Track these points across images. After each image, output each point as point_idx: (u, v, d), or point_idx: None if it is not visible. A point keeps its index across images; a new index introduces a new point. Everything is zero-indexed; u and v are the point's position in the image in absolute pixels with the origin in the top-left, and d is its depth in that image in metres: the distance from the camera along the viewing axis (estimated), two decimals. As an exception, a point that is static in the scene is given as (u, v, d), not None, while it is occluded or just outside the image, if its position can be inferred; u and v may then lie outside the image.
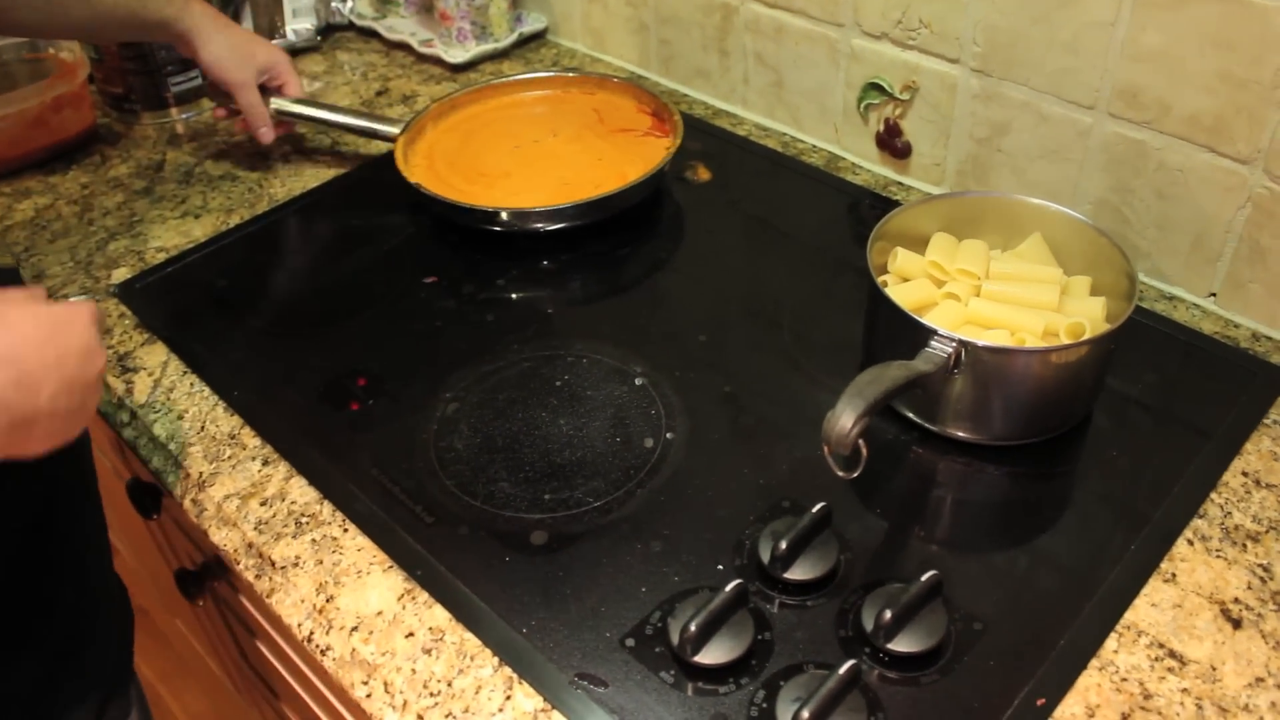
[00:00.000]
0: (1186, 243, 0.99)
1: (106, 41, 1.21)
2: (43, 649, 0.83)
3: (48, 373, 0.67)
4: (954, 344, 0.80)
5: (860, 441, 0.71)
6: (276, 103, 1.22)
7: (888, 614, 0.71)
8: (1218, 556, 0.79)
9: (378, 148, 1.28)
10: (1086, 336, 0.84)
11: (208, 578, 1.12)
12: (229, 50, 1.16)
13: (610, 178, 1.15)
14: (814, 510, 0.77)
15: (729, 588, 0.73)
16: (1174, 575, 0.78)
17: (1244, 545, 0.80)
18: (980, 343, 0.80)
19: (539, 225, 1.10)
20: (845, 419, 0.71)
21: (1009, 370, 0.83)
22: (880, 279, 0.92)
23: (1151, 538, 0.81)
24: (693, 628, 0.71)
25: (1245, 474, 0.85)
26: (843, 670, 0.68)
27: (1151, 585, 0.78)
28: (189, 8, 1.13)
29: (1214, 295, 1.00)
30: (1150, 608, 0.76)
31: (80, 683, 0.86)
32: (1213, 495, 0.84)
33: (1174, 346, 0.97)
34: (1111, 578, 0.78)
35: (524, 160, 1.20)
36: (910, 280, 0.92)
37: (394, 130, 1.20)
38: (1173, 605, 0.76)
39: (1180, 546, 0.80)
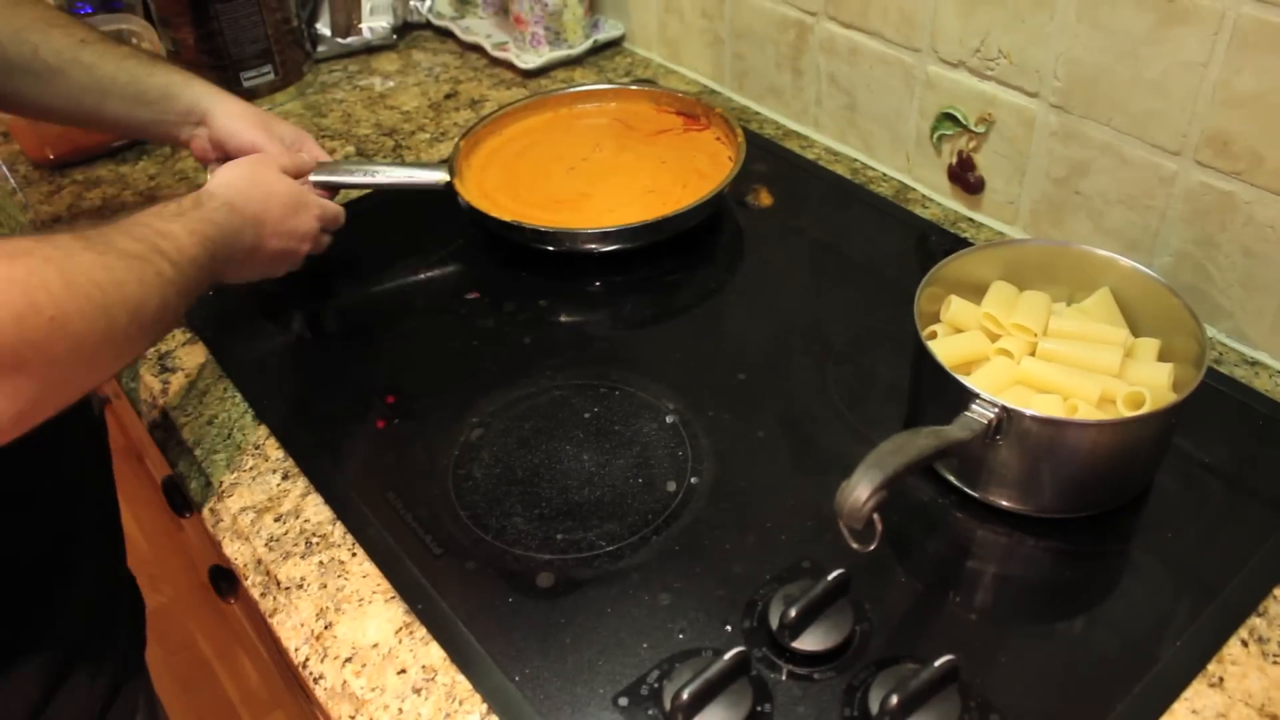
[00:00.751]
0: (1274, 305, 0.91)
1: (108, 125, 1.07)
2: (50, 641, 0.83)
3: (276, 240, 0.95)
4: (996, 410, 0.75)
5: (875, 516, 0.66)
6: (313, 176, 1.08)
7: (894, 699, 0.66)
8: (1275, 663, 0.72)
9: (431, 157, 1.26)
10: (1145, 409, 0.77)
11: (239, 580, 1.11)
12: (244, 118, 1.06)
13: (687, 178, 1.15)
14: (830, 577, 0.73)
15: (729, 655, 0.68)
16: (1221, 679, 0.71)
17: (1304, 651, 0.73)
18: (1024, 410, 0.74)
19: (591, 247, 1.07)
20: (860, 491, 0.66)
21: (1057, 441, 0.77)
22: (930, 329, 0.88)
23: (1201, 634, 0.74)
24: (685, 695, 0.67)
25: (1315, 569, 0.78)
26: (837, 759, 0.64)
27: (1194, 689, 0.71)
28: (192, 82, 1.05)
29: (1301, 365, 0.92)
30: (1190, 715, 0.70)
31: (87, 676, 0.86)
32: (1276, 591, 0.76)
33: (1251, 418, 0.90)
34: (1150, 676, 0.71)
35: (589, 178, 1.16)
36: (963, 332, 0.87)
37: (439, 177, 1.11)
38: (1216, 714, 0.70)
39: (1233, 647, 0.73)
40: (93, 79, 1.00)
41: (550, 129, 1.24)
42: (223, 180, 0.93)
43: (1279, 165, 0.86)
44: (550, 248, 1.08)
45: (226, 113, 1.05)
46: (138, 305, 0.72)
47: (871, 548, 0.68)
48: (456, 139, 1.17)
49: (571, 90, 1.27)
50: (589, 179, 1.16)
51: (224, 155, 1.06)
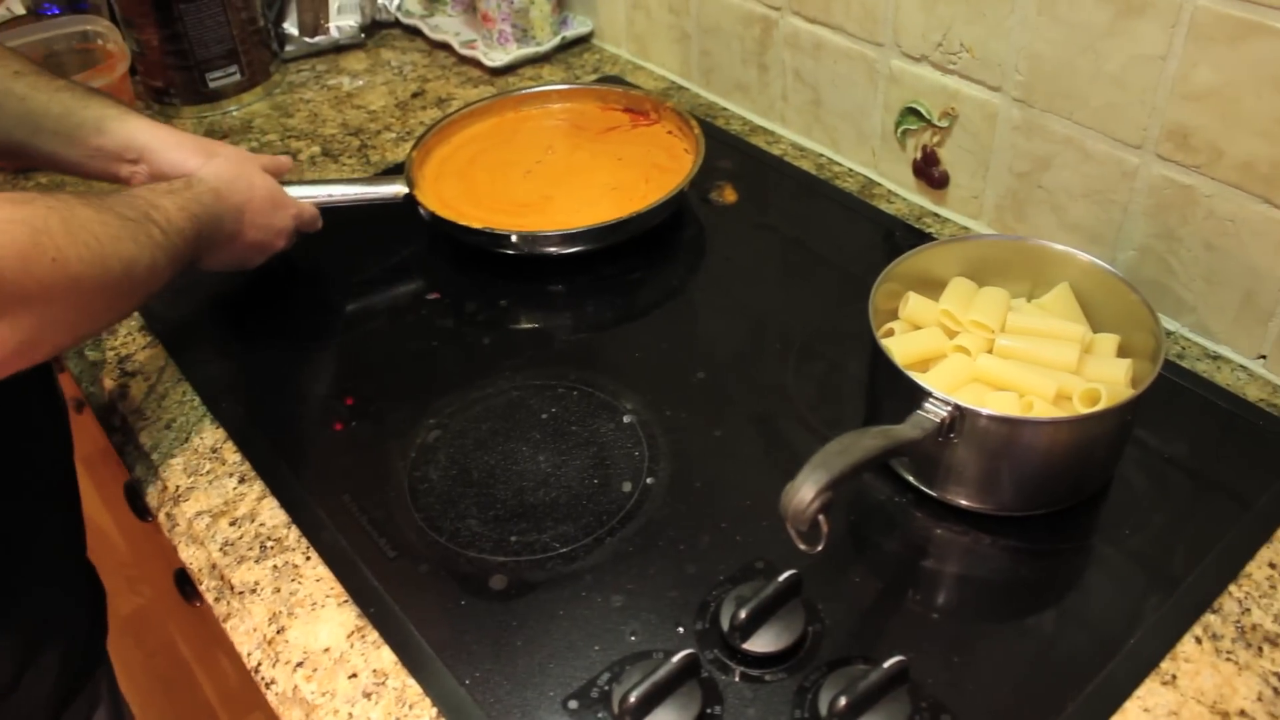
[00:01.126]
0: (1236, 299, 0.90)
1: (43, 160, 1.01)
2: (9, 628, 0.82)
3: (254, 231, 0.99)
4: (949, 408, 0.74)
5: (821, 517, 0.66)
6: None
7: (842, 701, 0.65)
8: (1228, 659, 0.72)
9: (396, 157, 1.26)
10: (1101, 405, 0.77)
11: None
12: (183, 146, 1.00)
13: (648, 172, 1.14)
14: (781, 578, 0.72)
15: (677, 657, 0.68)
16: (1174, 677, 0.71)
17: (1260, 649, 0.72)
18: (976, 409, 0.74)
19: (563, 249, 1.06)
20: (805, 493, 0.65)
21: (1012, 439, 0.76)
22: (888, 326, 0.87)
23: (1155, 632, 0.73)
24: (632, 698, 0.66)
25: (1273, 565, 0.77)
26: (784, 762, 0.63)
27: (1147, 687, 0.70)
28: (127, 118, 1.00)
29: (1263, 358, 0.91)
30: (1142, 713, 0.69)
31: (49, 663, 0.85)
32: (1232, 587, 0.76)
33: (1213, 413, 0.89)
34: (1104, 675, 0.71)
35: (548, 180, 1.16)
36: (921, 329, 0.86)
37: (397, 190, 1.10)
38: (1168, 712, 0.69)
39: (1186, 644, 0.73)
40: (25, 110, 0.97)
41: (497, 134, 1.23)
42: (211, 170, 0.97)
43: (1238, 159, 0.85)
44: (520, 252, 1.07)
45: (164, 144, 0.99)
46: (131, 260, 0.78)
47: (819, 549, 0.67)
48: (409, 150, 1.16)
49: (516, 94, 1.26)
50: (548, 181, 1.16)
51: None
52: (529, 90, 1.27)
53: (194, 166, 0.98)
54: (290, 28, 1.40)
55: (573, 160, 1.18)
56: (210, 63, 1.29)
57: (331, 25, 1.41)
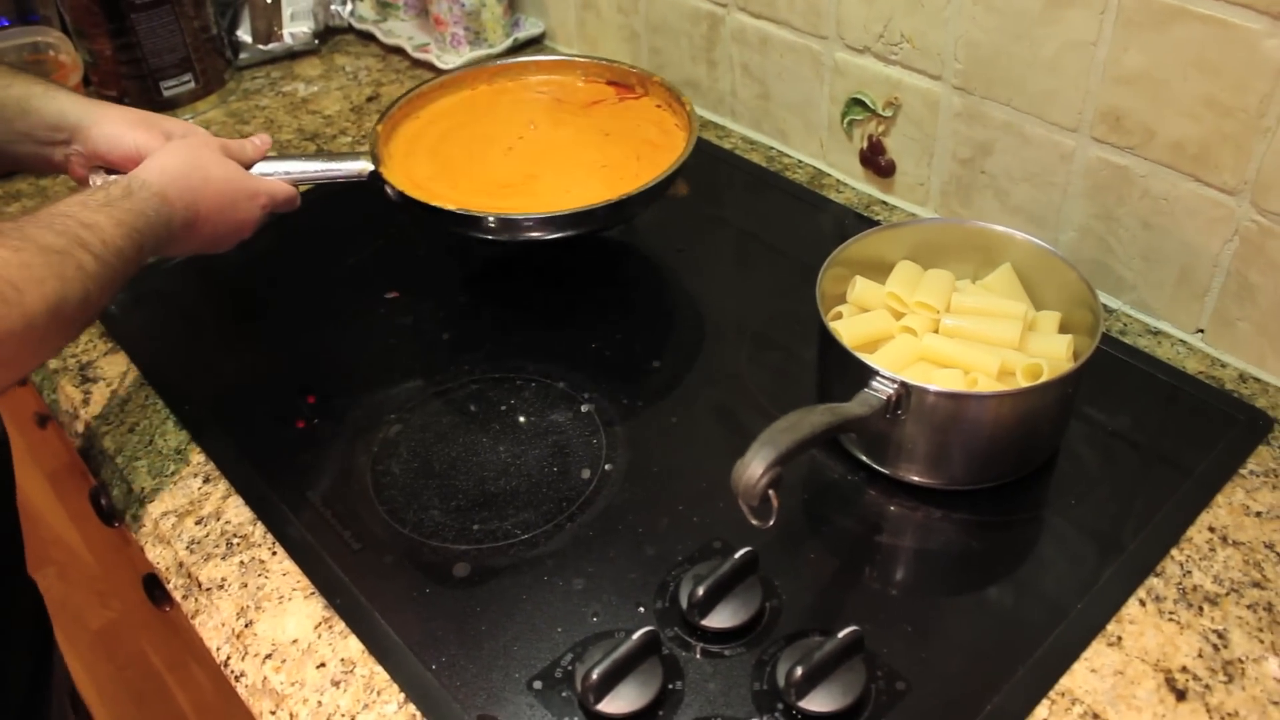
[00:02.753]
0: (1173, 276, 0.93)
1: None
2: None
3: (211, 227, 0.90)
4: (895, 386, 0.76)
5: (771, 492, 0.68)
6: None
7: (798, 671, 0.68)
8: (1170, 620, 0.74)
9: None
10: (1044, 379, 0.79)
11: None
12: (121, 120, 0.93)
13: (639, 149, 1.06)
14: (737, 555, 0.74)
15: (637, 634, 0.69)
16: (1120, 639, 0.73)
17: (1200, 609, 0.75)
18: (921, 385, 0.76)
19: (537, 234, 0.99)
20: (754, 469, 0.67)
21: (959, 414, 0.79)
22: (836, 309, 0.89)
23: (1102, 596, 0.76)
24: (594, 675, 0.68)
25: (1212, 529, 0.80)
26: (742, 731, 0.65)
27: (1094, 649, 0.73)
28: (55, 94, 0.94)
29: (1201, 332, 0.94)
30: (1090, 673, 0.71)
31: None
32: (1174, 552, 0.78)
33: (1154, 386, 0.92)
34: (1052, 639, 0.73)
35: (531, 158, 1.07)
36: (869, 311, 0.88)
37: (361, 166, 1.02)
38: (1114, 672, 0.71)
39: (1131, 607, 0.75)
40: None
41: (470, 109, 1.14)
42: (157, 165, 0.87)
43: (1169, 139, 0.88)
44: (500, 237, 1.00)
45: (96, 119, 0.92)
46: (58, 302, 0.71)
47: (770, 523, 0.69)
48: (374, 125, 1.08)
49: (489, 66, 1.18)
50: (531, 159, 1.07)
51: (110, 170, 0.95)
52: (504, 62, 1.19)
53: (133, 142, 0.91)
54: (244, 35, 1.41)
55: (557, 136, 1.10)
56: (164, 71, 1.30)
57: (285, 32, 1.42)
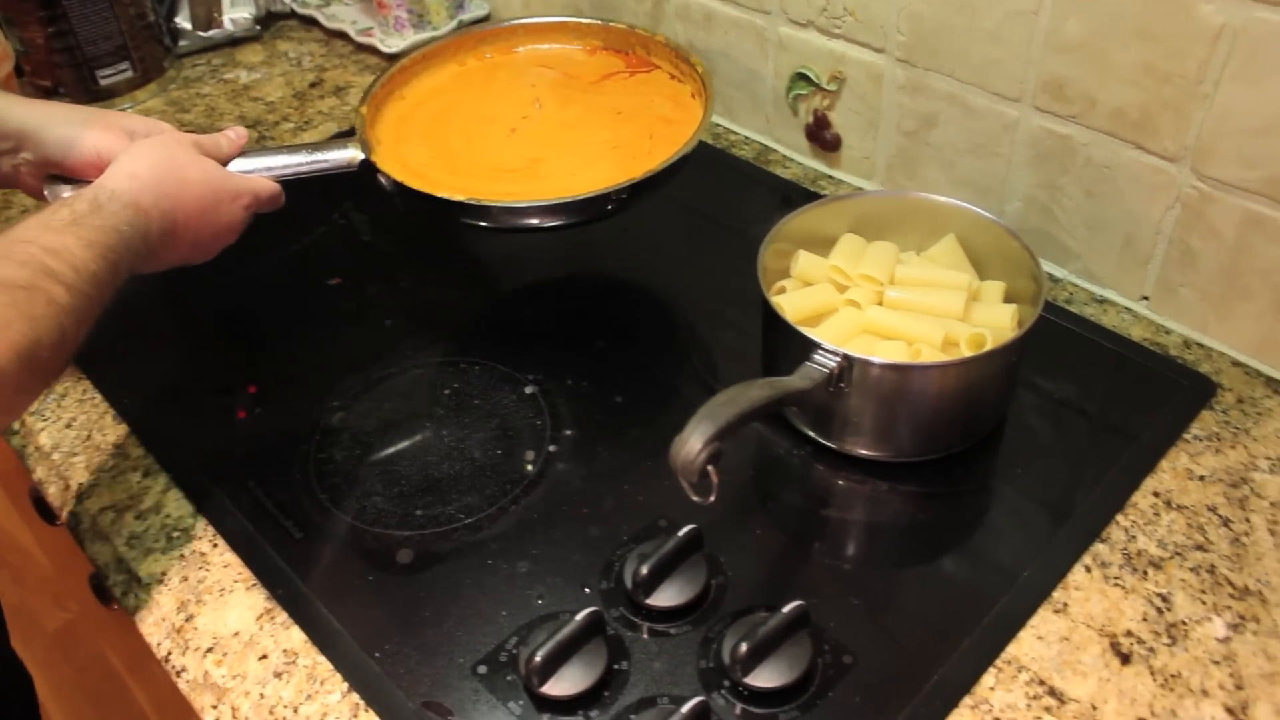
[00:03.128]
0: (1117, 243, 0.93)
1: None
2: None
3: (192, 235, 0.82)
4: (837, 359, 0.75)
5: (711, 468, 0.67)
6: None
7: (744, 647, 0.67)
8: (1115, 585, 0.74)
9: (304, 140, 1.25)
10: (988, 348, 0.79)
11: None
12: (74, 121, 0.84)
13: (652, 127, 0.99)
14: (681, 533, 0.73)
15: (580, 615, 0.69)
16: (1066, 605, 0.73)
17: (1145, 573, 0.74)
18: (863, 357, 0.75)
19: (536, 221, 0.92)
20: (693, 444, 0.66)
21: (903, 385, 0.78)
22: (780, 284, 0.88)
23: (1047, 564, 0.76)
24: (538, 658, 0.67)
25: (1157, 494, 0.80)
26: (685, 709, 0.64)
27: (1040, 616, 0.73)
28: (18, 101, 0.86)
29: (1146, 299, 0.94)
30: (1036, 641, 0.71)
31: None
32: (1119, 518, 0.78)
33: (1100, 355, 0.92)
34: (998, 608, 0.73)
35: (536, 140, 0.99)
36: (812, 285, 0.88)
37: (350, 156, 0.93)
38: (1060, 638, 0.71)
39: (1076, 574, 0.75)
40: None
41: (464, 86, 1.06)
42: (126, 170, 0.78)
43: (1110, 107, 0.88)
44: (503, 226, 0.93)
45: (45, 121, 0.83)
46: (30, 347, 0.63)
47: (711, 499, 0.68)
48: (358, 106, 0.99)
49: (473, 32, 1.09)
50: (536, 141, 0.99)
51: (67, 179, 0.86)
52: (489, 28, 1.10)
53: (92, 145, 0.83)
54: (183, 22, 1.39)
55: (565, 116, 1.02)
56: (100, 60, 1.27)
57: (225, 18, 1.40)
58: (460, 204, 0.89)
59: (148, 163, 0.80)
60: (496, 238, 1.08)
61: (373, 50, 1.39)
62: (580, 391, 0.90)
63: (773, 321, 0.81)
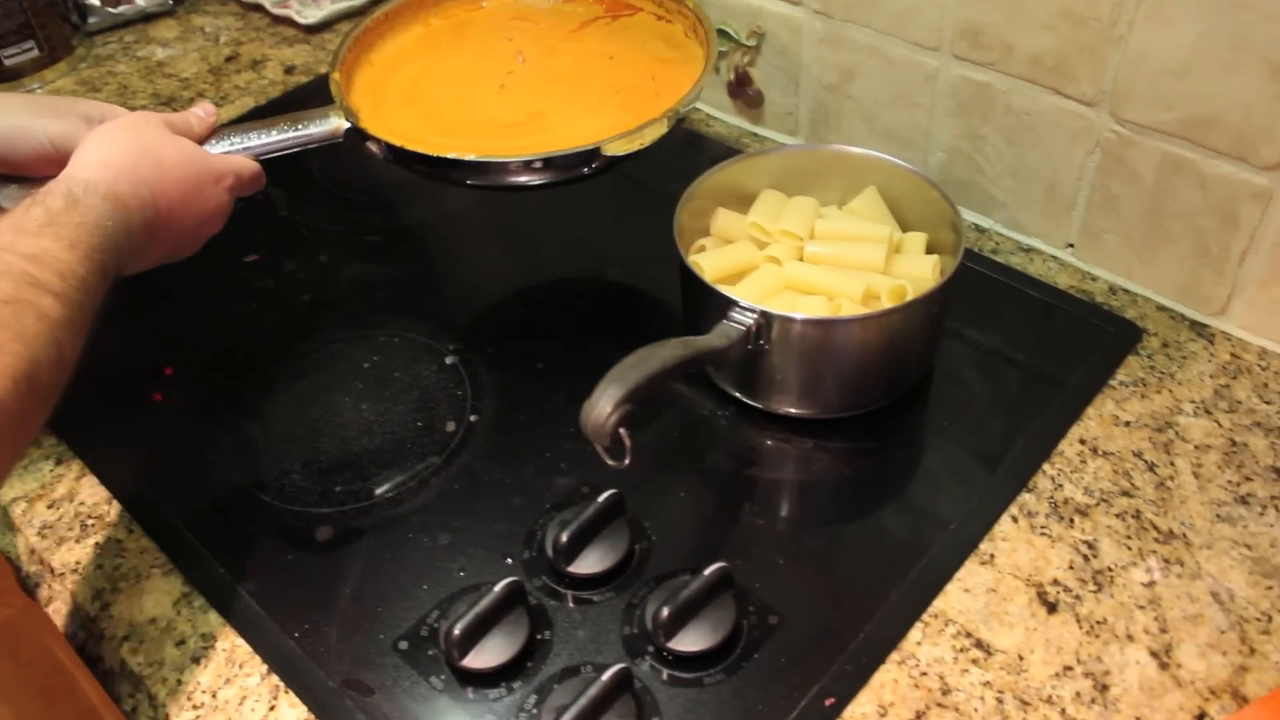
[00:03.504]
0: (1040, 191, 0.92)
1: None
2: None
3: (177, 224, 0.73)
4: (754, 315, 0.74)
5: (622, 431, 0.65)
6: None
7: (665, 611, 0.66)
8: (1042, 534, 0.73)
9: (224, 115, 1.21)
10: (909, 299, 0.78)
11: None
12: (18, 108, 0.76)
13: (652, 68, 0.93)
14: (601, 498, 0.72)
15: (499, 586, 0.68)
16: (992, 556, 0.72)
17: (1071, 520, 0.74)
18: (781, 314, 0.74)
19: (576, 169, 0.84)
20: (601, 406, 0.65)
21: (825, 341, 0.77)
22: (699, 242, 0.87)
23: (974, 516, 0.75)
24: (457, 630, 0.66)
25: (1083, 441, 0.79)
26: (606, 676, 0.63)
27: (967, 568, 0.72)
28: None
29: (1071, 246, 0.93)
30: (963, 593, 0.71)
31: None
32: (1046, 467, 0.78)
33: (1027, 304, 0.91)
34: (924, 562, 0.72)
35: (530, 94, 0.93)
36: (732, 243, 0.86)
37: (334, 125, 0.86)
38: (987, 590, 0.71)
39: (1003, 524, 0.74)
40: None
41: (433, 48, 0.99)
42: (96, 158, 0.70)
43: (1027, 53, 0.87)
44: (532, 181, 0.85)
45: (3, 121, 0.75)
46: (28, 370, 0.56)
47: (626, 463, 0.67)
48: (330, 72, 0.90)
49: None
50: (531, 94, 0.93)
51: (7, 175, 0.78)
52: None
53: (44, 135, 0.75)
54: (92, -1, 1.35)
55: (552, 67, 0.96)
56: (3, 39, 1.23)
57: (136, -7, 1.36)
58: (477, 163, 0.82)
59: (119, 148, 0.71)
60: (421, 204, 1.06)
61: (289, 22, 1.36)
62: (501, 359, 0.89)
63: (690, 281, 0.79)
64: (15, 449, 0.58)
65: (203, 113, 0.82)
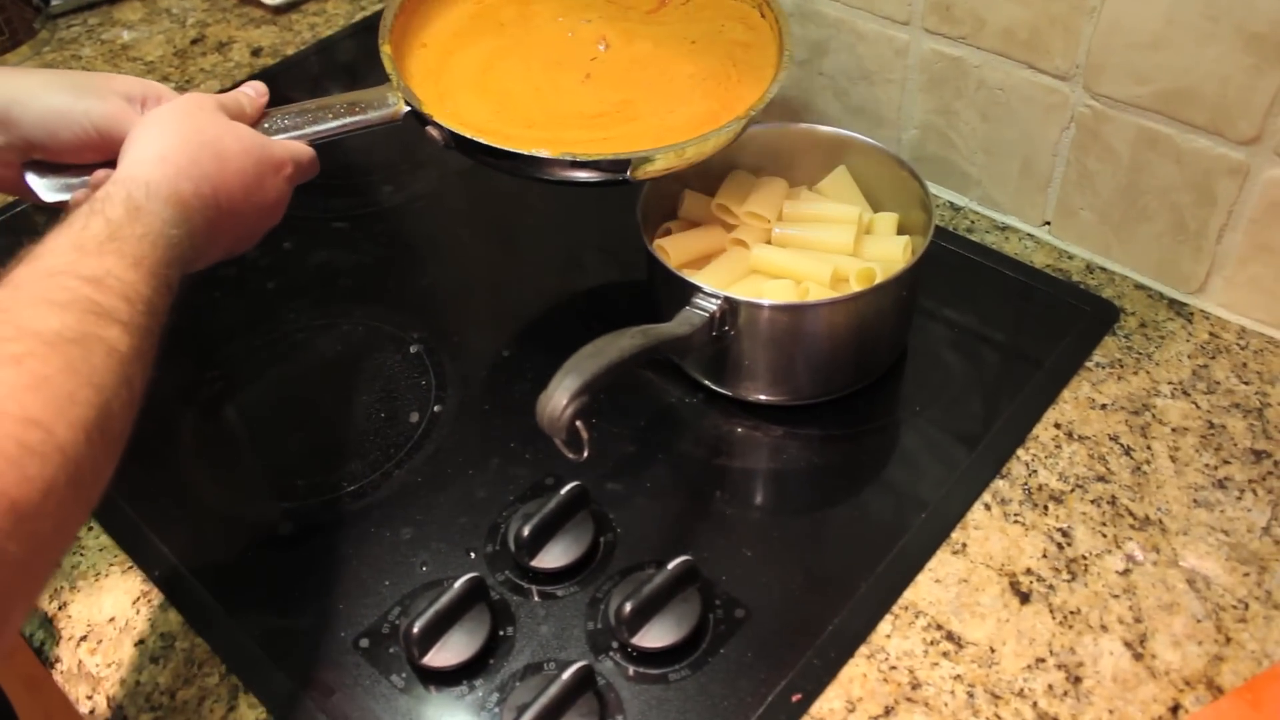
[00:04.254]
0: (1015, 168, 0.90)
1: None
2: None
3: (237, 224, 0.68)
4: (718, 301, 0.72)
5: (579, 423, 0.64)
6: None
7: (628, 606, 0.65)
8: (1015, 522, 0.72)
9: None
10: (877, 282, 0.76)
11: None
12: (58, 86, 0.69)
13: (732, 51, 0.87)
14: (563, 491, 0.71)
15: (459, 583, 0.66)
16: (964, 546, 0.71)
17: (1045, 508, 0.73)
18: (745, 299, 0.72)
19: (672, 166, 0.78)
20: (557, 398, 0.63)
21: (792, 325, 0.76)
22: (666, 225, 0.85)
23: (946, 504, 0.74)
24: (416, 628, 0.65)
25: (1058, 425, 0.78)
26: (567, 675, 0.62)
27: (938, 558, 0.71)
28: None
29: (1048, 224, 0.91)
30: (934, 584, 0.69)
31: None
32: (1020, 452, 0.76)
33: (1004, 283, 0.89)
34: (895, 552, 0.71)
35: (614, 82, 0.87)
36: (699, 226, 0.84)
37: (392, 109, 0.79)
38: (958, 580, 0.69)
39: (976, 512, 0.73)
40: None
41: (500, 30, 0.91)
42: (154, 153, 0.63)
43: (999, 26, 0.84)
44: (634, 179, 0.79)
45: (26, 91, 0.68)
46: (100, 418, 0.49)
47: (584, 455, 0.65)
48: (380, 44, 0.83)
49: None
50: (615, 83, 0.86)
51: (46, 163, 0.71)
52: None
53: (90, 119, 0.68)
54: (55, -19, 1.32)
55: (636, 53, 0.89)
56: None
57: (100, -25, 1.33)
58: (602, 161, 0.76)
59: (177, 139, 0.65)
60: (387, 190, 1.04)
61: (256, 3, 1.33)
62: (466, 348, 0.87)
63: (656, 267, 0.77)
64: (89, 505, 0.51)
65: (254, 93, 0.75)
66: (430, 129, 0.79)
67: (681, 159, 0.77)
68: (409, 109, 0.79)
